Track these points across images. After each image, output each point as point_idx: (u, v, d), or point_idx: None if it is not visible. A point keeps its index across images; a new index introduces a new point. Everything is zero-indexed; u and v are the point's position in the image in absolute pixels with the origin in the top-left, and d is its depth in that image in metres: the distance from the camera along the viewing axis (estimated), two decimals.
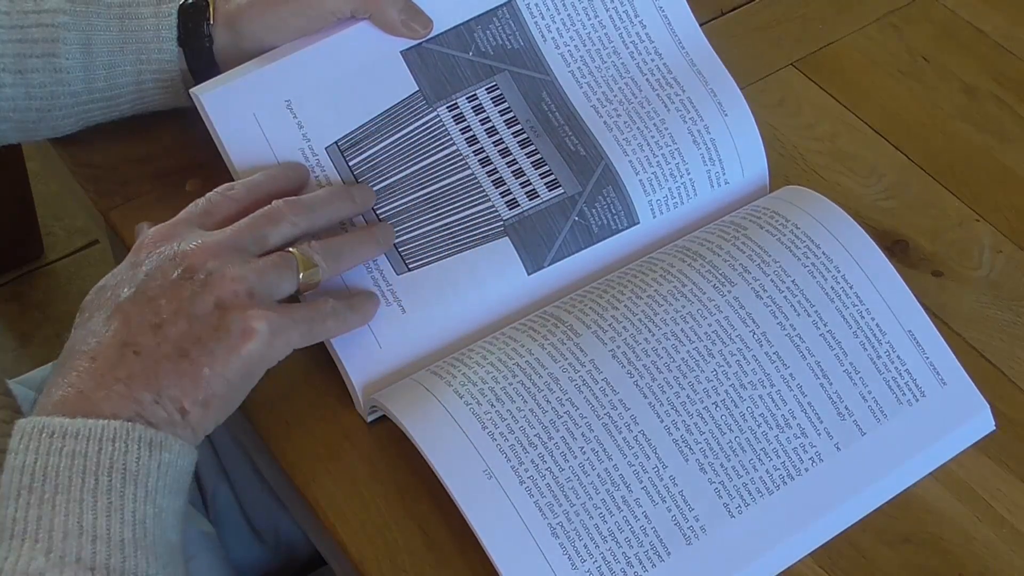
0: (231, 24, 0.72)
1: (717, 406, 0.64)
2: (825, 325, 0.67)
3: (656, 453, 0.62)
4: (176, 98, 0.74)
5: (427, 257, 0.69)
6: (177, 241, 0.61)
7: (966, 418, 0.67)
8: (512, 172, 0.72)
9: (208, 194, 0.65)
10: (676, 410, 0.63)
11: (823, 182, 0.80)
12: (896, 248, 0.77)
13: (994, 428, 0.68)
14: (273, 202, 0.64)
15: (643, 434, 0.62)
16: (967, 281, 0.76)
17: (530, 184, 0.71)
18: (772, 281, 0.67)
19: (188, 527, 0.82)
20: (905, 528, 0.65)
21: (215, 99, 0.69)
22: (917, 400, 0.67)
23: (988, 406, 0.68)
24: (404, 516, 0.64)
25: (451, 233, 0.70)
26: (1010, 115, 0.85)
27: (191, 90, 0.70)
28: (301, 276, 0.63)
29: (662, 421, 0.63)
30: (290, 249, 0.63)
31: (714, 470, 0.63)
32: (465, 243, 0.70)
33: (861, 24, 0.90)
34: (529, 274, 0.70)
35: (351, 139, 0.71)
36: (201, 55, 0.72)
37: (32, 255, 1.68)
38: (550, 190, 0.71)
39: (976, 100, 0.86)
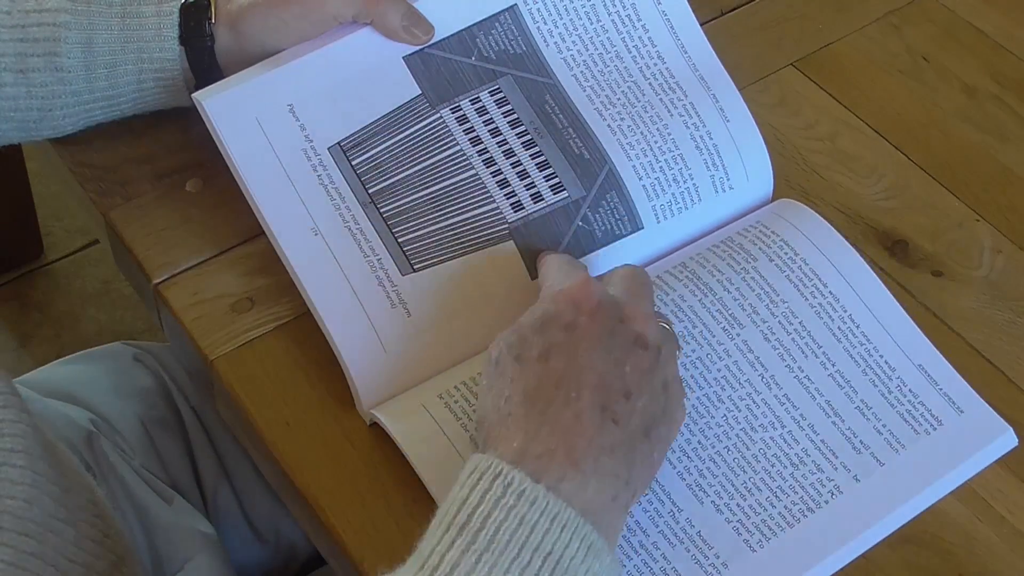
0: (232, 24, 0.72)
1: (729, 450, 0.64)
2: (833, 365, 0.67)
3: (670, 499, 0.62)
4: (177, 97, 0.74)
5: (432, 258, 0.69)
6: (614, 303, 0.60)
7: (989, 441, 0.67)
8: (516, 173, 0.72)
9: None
10: (688, 456, 0.63)
11: (823, 182, 0.80)
12: (896, 248, 0.77)
13: (1016, 444, 0.67)
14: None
15: (656, 481, 0.62)
16: (967, 281, 0.76)
17: (535, 186, 0.71)
18: (780, 323, 0.67)
19: (188, 527, 0.82)
20: (905, 528, 0.65)
21: (217, 104, 0.69)
22: (935, 428, 0.66)
23: (1010, 428, 0.67)
24: (404, 516, 0.64)
25: (456, 234, 0.70)
26: (1010, 115, 0.85)
27: (193, 95, 0.70)
28: None
29: (674, 467, 0.63)
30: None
31: (730, 510, 0.62)
32: (470, 245, 0.70)
33: (861, 24, 0.90)
34: (533, 279, 0.70)
35: (353, 140, 0.71)
36: (202, 54, 0.72)
37: (32, 255, 1.68)
38: (555, 193, 0.71)
39: (976, 100, 0.86)
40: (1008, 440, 0.67)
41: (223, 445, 0.87)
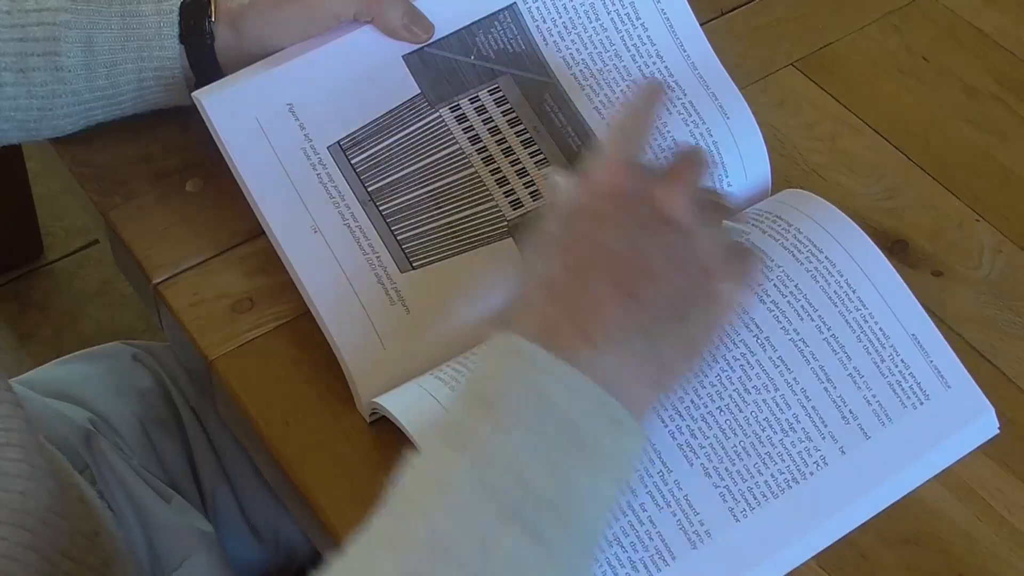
0: (233, 23, 0.72)
1: (721, 411, 0.64)
2: (828, 329, 0.66)
3: (660, 458, 0.62)
4: (177, 96, 0.74)
5: (431, 256, 0.69)
6: (644, 189, 0.57)
7: (970, 420, 0.67)
8: (516, 172, 0.72)
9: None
10: (680, 415, 0.63)
11: (823, 182, 0.80)
12: (896, 248, 0.77)
13: (998, 430, 0.68)
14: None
15: (647, 439, 0.62)
16: (967, 281, 0.76)
17: (533, 184, 0.71)
18: (775, 286, 0.67)
19: (186, 525, 0.82)
20: (905, 528, 0.65)
21: (217, 103, 0.69)
22: (921, 403, 0.66)
23: (992, 408, 0.67)
24: None
25: (454, 232, 0.70)
26: (1010, 115, 0.85)
27: (193, 94, 0.70)
28: None
29: (666, 426, 0.63)
30: None
31: (719, 474, 0.62)
32: (469, 243, 0.70)
33: (861, 24, 0.90)
34: None
35: (353, 139, 0.71)
36: (202, 52, 0.72)
37: (32, 255, 1.68)
38: None
39: (976, 100, 0.86)
40: (989, 422, 0.67)
41: (222, 445, 0.87)
